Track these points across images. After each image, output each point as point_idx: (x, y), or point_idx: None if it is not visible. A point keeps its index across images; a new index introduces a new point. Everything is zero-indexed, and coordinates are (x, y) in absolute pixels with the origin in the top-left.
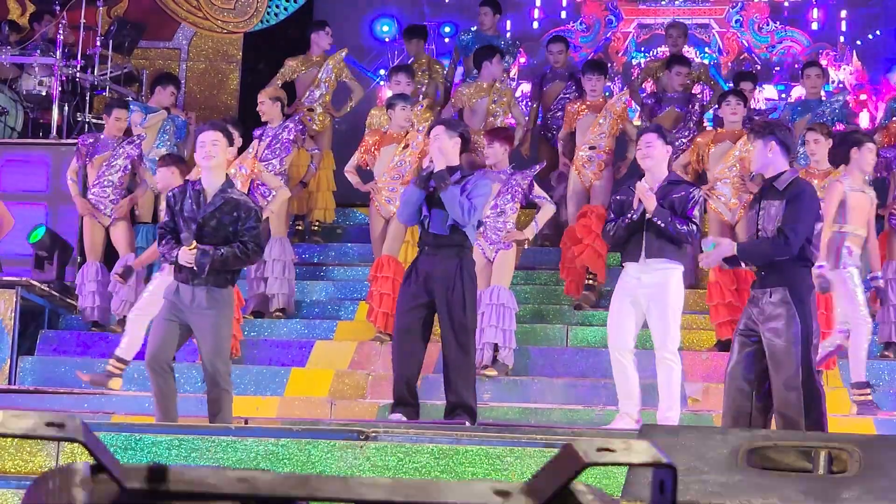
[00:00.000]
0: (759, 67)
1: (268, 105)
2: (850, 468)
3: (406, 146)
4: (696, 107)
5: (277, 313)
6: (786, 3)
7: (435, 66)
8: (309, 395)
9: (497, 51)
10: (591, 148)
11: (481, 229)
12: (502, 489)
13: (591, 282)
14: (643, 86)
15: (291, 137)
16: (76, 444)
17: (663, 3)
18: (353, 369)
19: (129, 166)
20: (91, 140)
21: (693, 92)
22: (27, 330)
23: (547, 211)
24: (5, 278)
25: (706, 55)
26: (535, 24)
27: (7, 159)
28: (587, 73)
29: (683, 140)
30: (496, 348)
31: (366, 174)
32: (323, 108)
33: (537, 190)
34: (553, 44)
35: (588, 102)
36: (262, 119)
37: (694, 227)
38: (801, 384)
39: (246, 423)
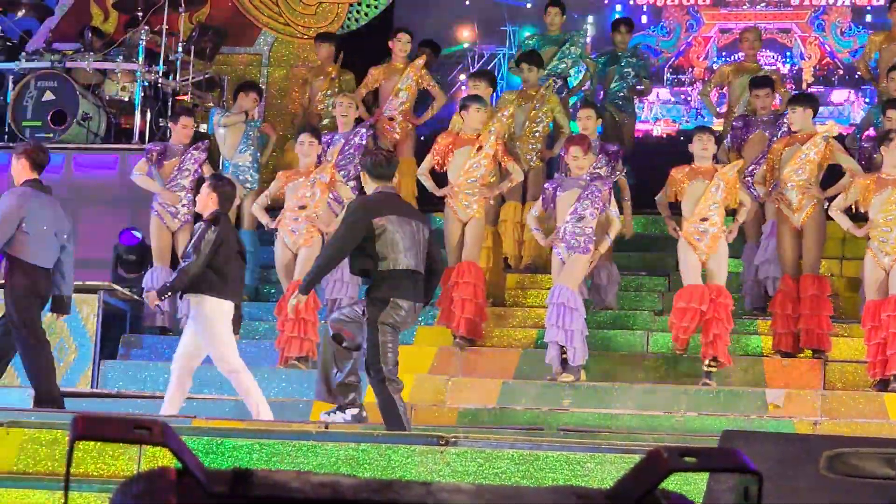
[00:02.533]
0: (840, 72)
1: (345, 109)
2: None
3: (479, 148)
4: (785, 128)
5: None
6: (868, 7)
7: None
8: None
9: (535, 57)
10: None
11: (560, 233)
12: (584, 494)
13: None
14: (711, 90)
15: (363, 143)
16: (158, 448)
17: (744, 7)
18: (432, 374)
19: (199, 170)
20: (159, 148)
21: (780, 111)
22: (109, 334)
23: (616, 226)
24: (88, 283)
25: (788, 60)
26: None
27: (86, 164)
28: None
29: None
30: (564, 351)
31: (440, 179)
32: (403, 117)
33: (613, 204)
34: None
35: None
36: (340, 125)
37: None
38: None
39: (326, 427)
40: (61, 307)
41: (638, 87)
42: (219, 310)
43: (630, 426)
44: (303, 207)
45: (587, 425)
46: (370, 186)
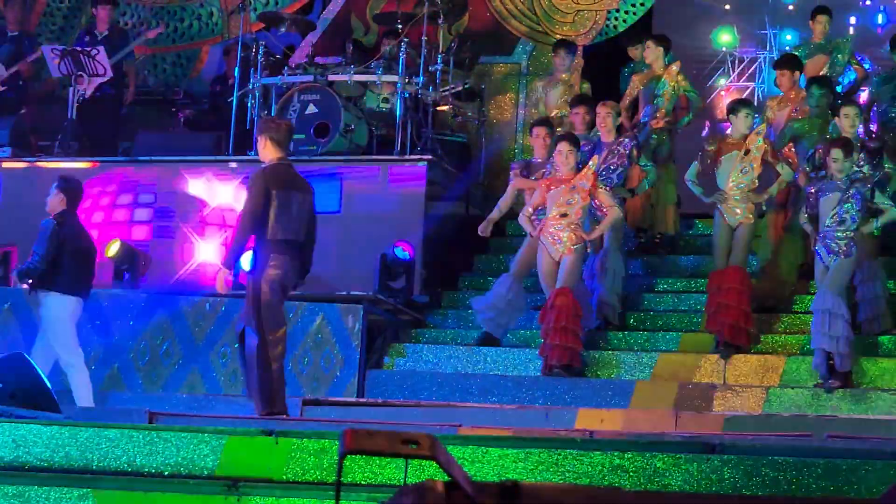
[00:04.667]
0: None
1: (603, 118)
2: None
3: (747, 152)
4: None
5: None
6: None
7: None
8: (653, 407)
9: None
10: None
11: (821, 237)
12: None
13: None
14: None
15: (627, 152)
16: None
17: None
18: (698, 381)
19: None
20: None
21: None
22: (373, 344)
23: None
24: (353, 293)
25: None
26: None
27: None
28: None
29: None
30: (831, 357)
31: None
32: (663, 122)
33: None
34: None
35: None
36: (603, 133)
37: None
38: None
39: (591, 435)
40: None
41: None
42: (62, 304)
43: None
44: (564, 215)
45: (856, 432)
46: (270, 153)
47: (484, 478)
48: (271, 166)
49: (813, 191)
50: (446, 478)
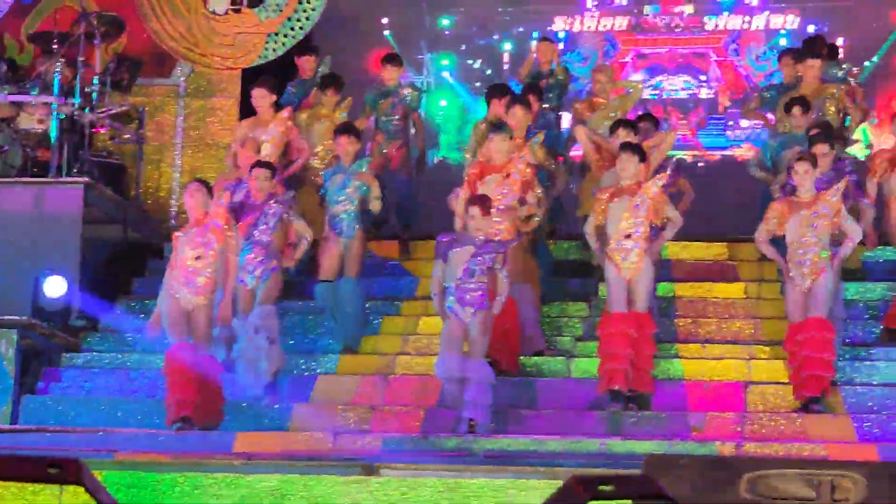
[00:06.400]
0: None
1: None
2: (853, 496)
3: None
4: None
5: None
6: (783, 32)
7: None
8: (310, 431)
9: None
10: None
11: None
12: None
13: None
14: None
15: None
16: None
17: (660, 32)
18: (356, 403)
19: None
20: None
21: None
22: (28, 369)
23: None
24: (6, 318)
25: (704, 84)
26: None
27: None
28: None
29: None
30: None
31: None
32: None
33: None
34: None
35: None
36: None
37: None
38: None
39: (249, 459)
40: None
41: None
42: None
43: (554, 451)
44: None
45: (511, 451)
46: None
47: (142, 503)
48: None
49: None
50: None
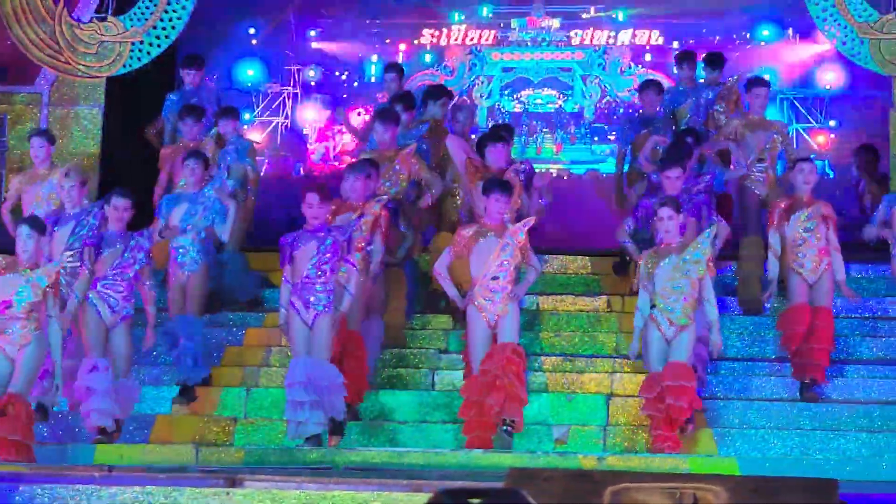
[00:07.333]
0: (621, 111)
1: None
2: None
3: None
4: None
5: None
6: (647, 47)
7: None
8: (174, 442)
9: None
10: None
11: None
12: None
13: None
14: None
15: None
16: None
17: (527, 46)
18: (220, 414)
19: None
20: None
21: None
22: None
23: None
24: None
25: (570, 99)
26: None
27: None
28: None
29: None
30: None
31: None
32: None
33: None
34: (387, 72)
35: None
36: None
37: None
38: None
39: (110, 470)
40: None
41: None
42: None
43: (416, 463)
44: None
45: (374, 464)
46: None
47: None
48: None
49: None
50: None
